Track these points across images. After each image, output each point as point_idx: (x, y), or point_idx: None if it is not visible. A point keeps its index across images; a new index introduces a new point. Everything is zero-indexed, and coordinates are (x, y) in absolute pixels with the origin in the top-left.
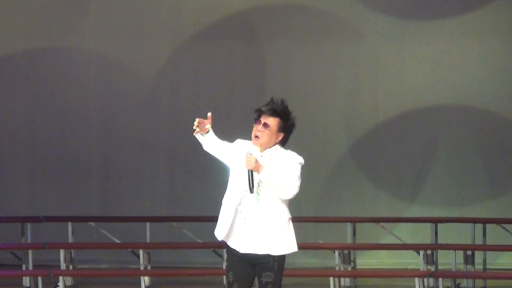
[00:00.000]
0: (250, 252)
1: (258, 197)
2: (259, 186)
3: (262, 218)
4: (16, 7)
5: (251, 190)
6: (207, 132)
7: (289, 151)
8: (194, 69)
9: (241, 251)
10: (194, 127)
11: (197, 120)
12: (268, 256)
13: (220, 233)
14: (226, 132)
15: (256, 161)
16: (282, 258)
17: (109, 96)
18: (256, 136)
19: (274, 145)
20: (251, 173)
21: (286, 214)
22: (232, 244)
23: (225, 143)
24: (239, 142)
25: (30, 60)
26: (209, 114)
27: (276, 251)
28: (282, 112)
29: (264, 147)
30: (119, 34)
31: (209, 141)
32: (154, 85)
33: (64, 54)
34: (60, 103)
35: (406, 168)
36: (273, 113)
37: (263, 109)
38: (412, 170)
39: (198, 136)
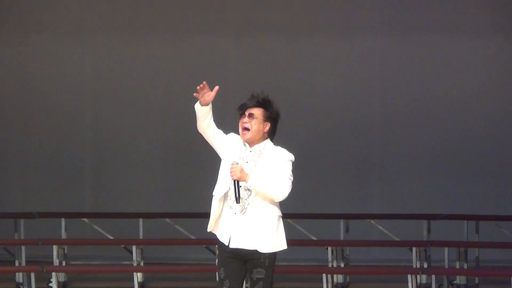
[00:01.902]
0: (239, 247)
1: (249, 193)
2: (247, 189)
3: (252, 214)
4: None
5: (237, 201)
6: (207, 105)
7: (279, 147)
8: (187, 64)
9: (230, 246)
10: (197, 88)
11: (204, 83)
12: (258, 253)
13: (209, 225)
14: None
15: (242, 171)
16: (273, 254)
17: (103, 93)
18: (245, 128)
19: (263, 138)
20: (236, 183)
21: (276, 212)
22: (221, 238)
23: (220, 131)
24: (232, 136)
25: (24, 56)
26: (216, 87)
27: (265, 249)
28: (263, 101)
29: (254, 138)
30: (112, 28)
31: (205, 118)
32: (147, 82)
33: (58, 51)
34: (53, 100)
35: (400, 165)
36: (256, 104)
37: (246, 103)
38: (406, 167)
39: (197, 106)
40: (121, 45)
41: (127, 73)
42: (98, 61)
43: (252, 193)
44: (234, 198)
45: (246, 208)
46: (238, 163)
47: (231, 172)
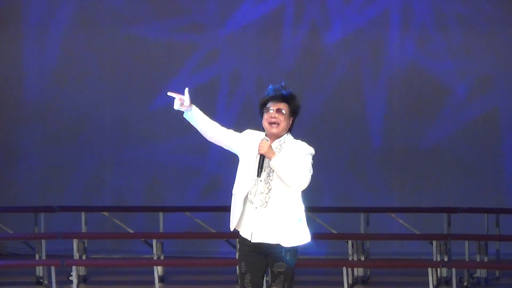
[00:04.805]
0: (261, 242)
1: (269, 186)
2: (269, 176)
3: (274, 208)
4: None
5: (258, 174)
6: (190, 110)
7: (299, 141)
8: (207, 55)
9: (252, 241)
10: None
11: (168, 93)
12: (280, 246)
13: (232, 223)
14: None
15: (270, 147)
16: (294, 248)
17: (122, 87)
18: (274, 123)
19: (286, 132)
20: (262, 157)
21: (298, 205)
22: (243, 233)
23: (231, 132)
24: (248, 132)
25: (43, 51)
26: (186, 89)
27: (287, 243)
28: (289, 97)
29: (280, 133)
30: (129, 21)
31: (201, 123)
32: (166, 73)
33: (76, 45)
34: (72, 95)
35: (420, 158)
36: (281, 98)
37: (269, 97)
38: (426, 160)
39: (184, 116)
40: (134, 41)
41: (147, 65)
42: (114, 61)
43: (272, 187)
44: (256, 173)
45: (267, 202)
46: (268, 140)
47: (259, 146)
